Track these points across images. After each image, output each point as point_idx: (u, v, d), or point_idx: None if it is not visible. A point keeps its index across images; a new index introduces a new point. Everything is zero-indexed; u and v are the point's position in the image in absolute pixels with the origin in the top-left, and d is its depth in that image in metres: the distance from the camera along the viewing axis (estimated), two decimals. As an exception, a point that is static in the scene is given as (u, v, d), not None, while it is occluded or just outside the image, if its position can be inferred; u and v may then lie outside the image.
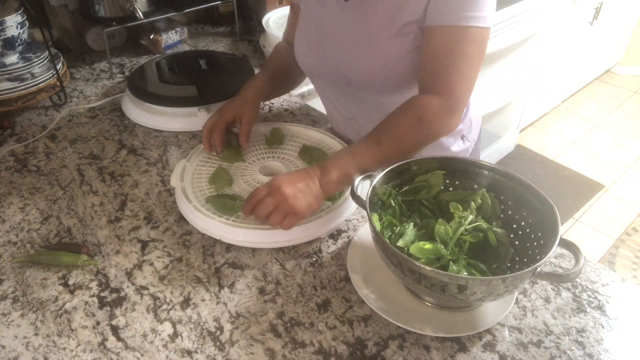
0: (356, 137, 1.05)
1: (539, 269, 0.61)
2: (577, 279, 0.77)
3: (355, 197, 0.73)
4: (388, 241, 0.65)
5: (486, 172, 0.76)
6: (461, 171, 0.78)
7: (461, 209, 0.72)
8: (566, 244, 0.64)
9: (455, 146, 1.04)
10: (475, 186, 0.77)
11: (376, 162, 0.78)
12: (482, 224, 0.71)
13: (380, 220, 0.72)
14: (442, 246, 0.69)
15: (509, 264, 0.71)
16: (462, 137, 1.04)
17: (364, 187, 0.74)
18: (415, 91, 0.88)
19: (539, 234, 0.69)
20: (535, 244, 0.69)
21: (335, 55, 0.92)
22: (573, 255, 0.63)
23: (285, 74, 1.06)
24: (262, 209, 0.75)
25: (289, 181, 0.75)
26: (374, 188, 0.72)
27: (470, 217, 0.71)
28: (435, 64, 0.81)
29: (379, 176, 0.73)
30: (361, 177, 0.75)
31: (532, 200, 0.71)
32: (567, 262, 0.80)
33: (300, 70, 1.05)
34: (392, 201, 0.75)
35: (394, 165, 0.75)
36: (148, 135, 1.11)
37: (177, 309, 0.72)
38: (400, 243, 0.70)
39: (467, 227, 0.70)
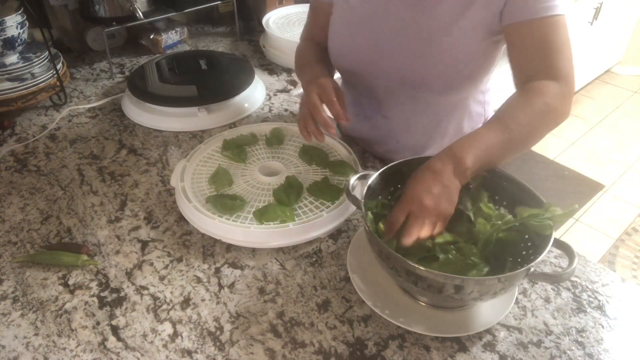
0: (372, 137, 1.03)
1: (532, 269, 0.61)
2: (577, 279, 0.77)
3: (350, 196, 0.73)
4: (378, 237, 0.65)
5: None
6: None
7: (494, 207, 0.72)
8: (559, 245, 0.64)
9: None
10: (471, 186, 0.77)
11: (506, 149, 0.73)
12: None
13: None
14: (473, 246, 0.69)
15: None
16: None
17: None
18: (469, 90, 0.90)
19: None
20: (529, 244, 0.69)
21: (390, 55, 0.88)
22: (567, 256, 0.63)
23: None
24: (412, 233, 0.67)
25: (424, 191, 0.68)
26: (369, 188, 0.72)
27: (508, 216, 0.70)
28: (539, 53, 0.78)
29: (374, 175, 0.73)
30: (357, 176, 0.75)
31: (527, 200, 0.71)
32: (568, 262, 0.80)
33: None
34: (385, 212, 0.74)
35: (390, 165, 0.75)
36: (148, 135, 1.11)
37: (177, 309, 0.72)
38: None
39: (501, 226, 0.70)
